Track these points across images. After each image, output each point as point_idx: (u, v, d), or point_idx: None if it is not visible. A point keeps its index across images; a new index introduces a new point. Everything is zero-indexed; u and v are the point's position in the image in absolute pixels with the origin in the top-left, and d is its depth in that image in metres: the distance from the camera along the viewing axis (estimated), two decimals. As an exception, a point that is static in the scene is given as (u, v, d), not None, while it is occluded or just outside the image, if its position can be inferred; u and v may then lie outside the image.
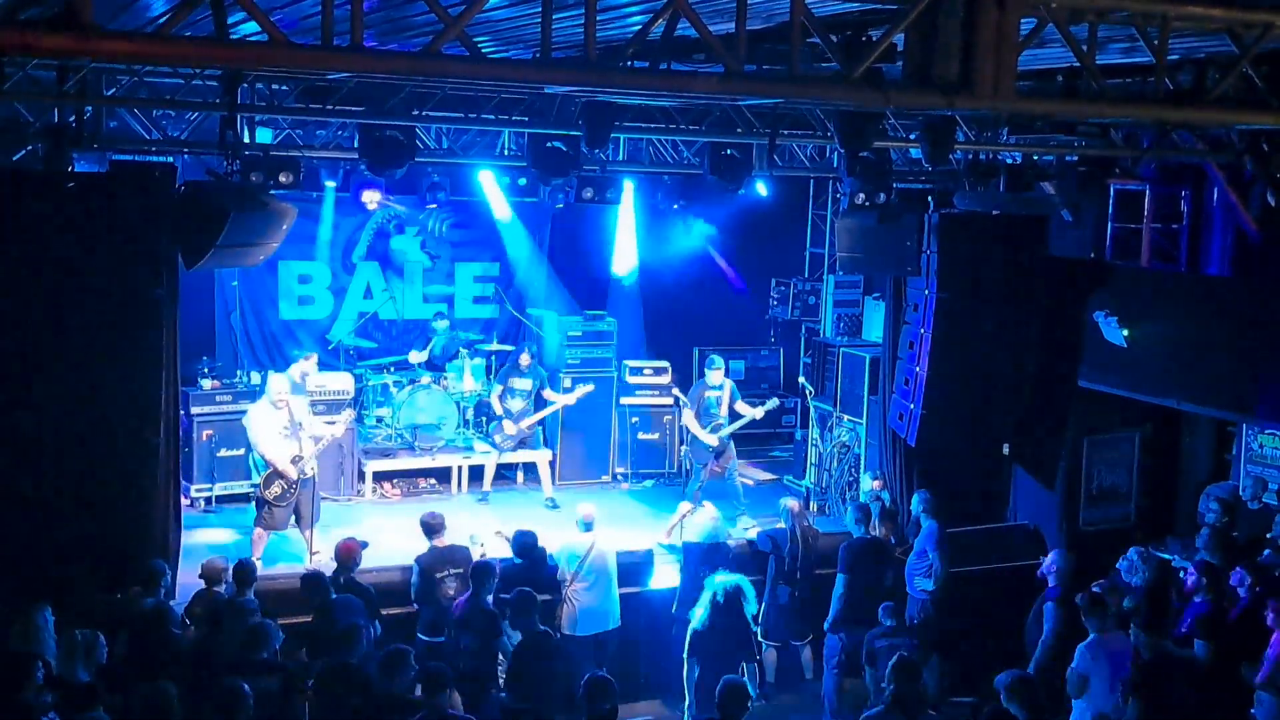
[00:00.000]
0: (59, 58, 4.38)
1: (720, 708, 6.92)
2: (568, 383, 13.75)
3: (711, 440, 12.30)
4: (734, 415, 12.48)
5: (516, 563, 9.67)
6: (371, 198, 12.47)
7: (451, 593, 9.46)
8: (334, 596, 8.87)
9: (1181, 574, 9.78)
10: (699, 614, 9.68)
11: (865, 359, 13.15)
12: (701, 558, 10.33)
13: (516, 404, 13.20)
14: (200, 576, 9.20)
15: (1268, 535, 10.41)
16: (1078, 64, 5.35)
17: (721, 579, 9.72)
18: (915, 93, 4.53)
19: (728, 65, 4.40)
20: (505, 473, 13.47)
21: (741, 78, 4.40)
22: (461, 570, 9.57)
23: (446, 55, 4.16)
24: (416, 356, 14.04)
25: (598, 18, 4.20)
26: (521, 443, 13.20)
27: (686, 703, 9.97)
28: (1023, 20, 4.63)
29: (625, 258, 15.00)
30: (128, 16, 6.28)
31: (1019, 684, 7.21)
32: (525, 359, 13.30)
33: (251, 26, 5.25)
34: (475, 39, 6.11)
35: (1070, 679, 8.35)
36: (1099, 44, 5.39)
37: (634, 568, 10.80)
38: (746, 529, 11.91)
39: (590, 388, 13.38)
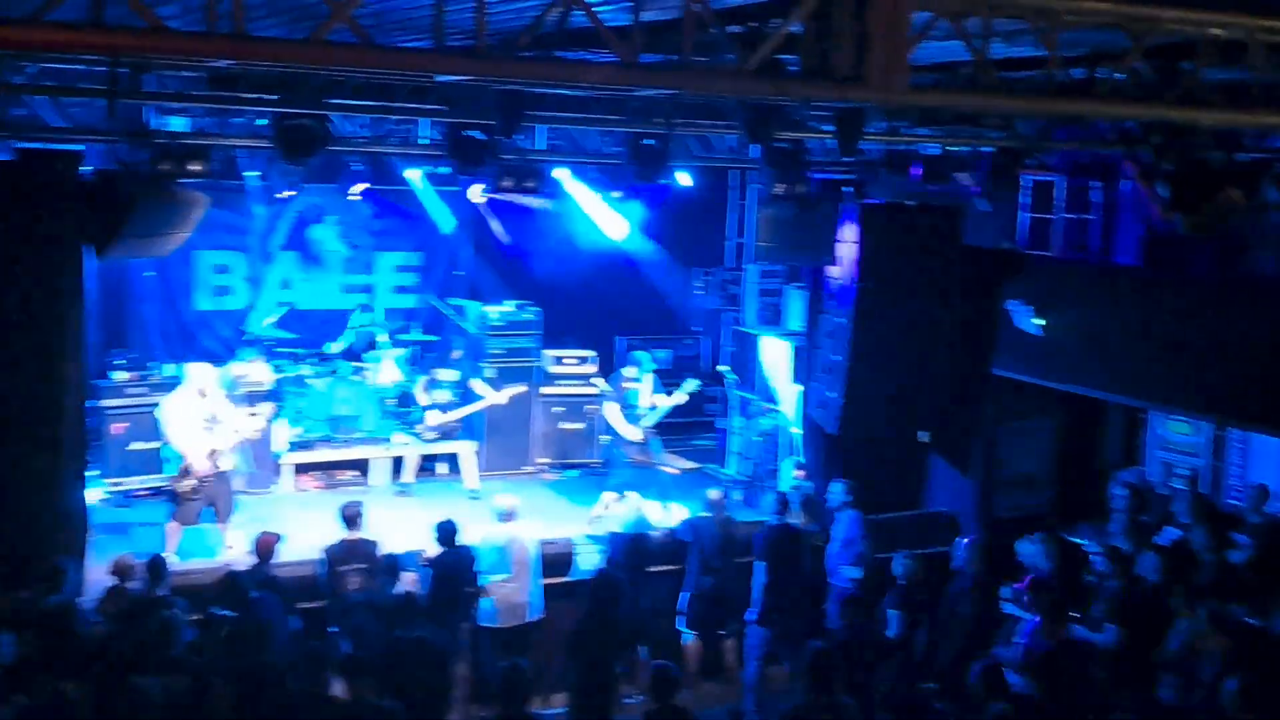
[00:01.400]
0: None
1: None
2: (490, 372, 13.68)
3: (634, 434, 12.30)
4: (654, 407, 12.49)
5: (442, 551, 9.60)
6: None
7: (353, 587, 9.38)
8: (252, 594, 8.74)
9: (1091, 558, 9.98)
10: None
11: (790, 347, 13.22)
12: (625, 547, 10.34)
13: (442, 395, 13.12)
14: (110, 573, 9.05)
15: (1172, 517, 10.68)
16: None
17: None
18: (808, 84, 4.57)
19: (622, 56, 4.40)
20: (427, 464, 13.38)
21: (635, 68, 4.41)
22: (366, 565, 9.50)
23: (333, 42, 4.12)
24: (335, 347, 13.90)
25: (496, 7, 4.17)
26: (445, 434, 13.12)
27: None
28: (919, 14, 4.69)
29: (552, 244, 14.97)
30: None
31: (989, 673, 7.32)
32: (456, 354, 13.38)
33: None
34: (370, 27, 6.06)
35: (1020, 655, 8.49)
36: (1006, 37, 5.47)
37: (556, 558, 10.78)
38: (670, 519, 11.94)
39: (522, 388, 13.32)
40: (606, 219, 13.78)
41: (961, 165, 11.01)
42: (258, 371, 12.98)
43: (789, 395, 13.11)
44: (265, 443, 12.65)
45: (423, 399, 13.10)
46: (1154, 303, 10.71)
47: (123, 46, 4.10)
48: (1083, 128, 9.57)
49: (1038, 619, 8.51)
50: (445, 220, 14.66)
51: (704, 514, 10.80)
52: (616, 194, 12.22)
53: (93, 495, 10.63)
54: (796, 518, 10.69)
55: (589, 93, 8.66)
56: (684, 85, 4.64)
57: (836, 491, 10.86)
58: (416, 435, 13.09)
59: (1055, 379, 11.38)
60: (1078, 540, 11.03)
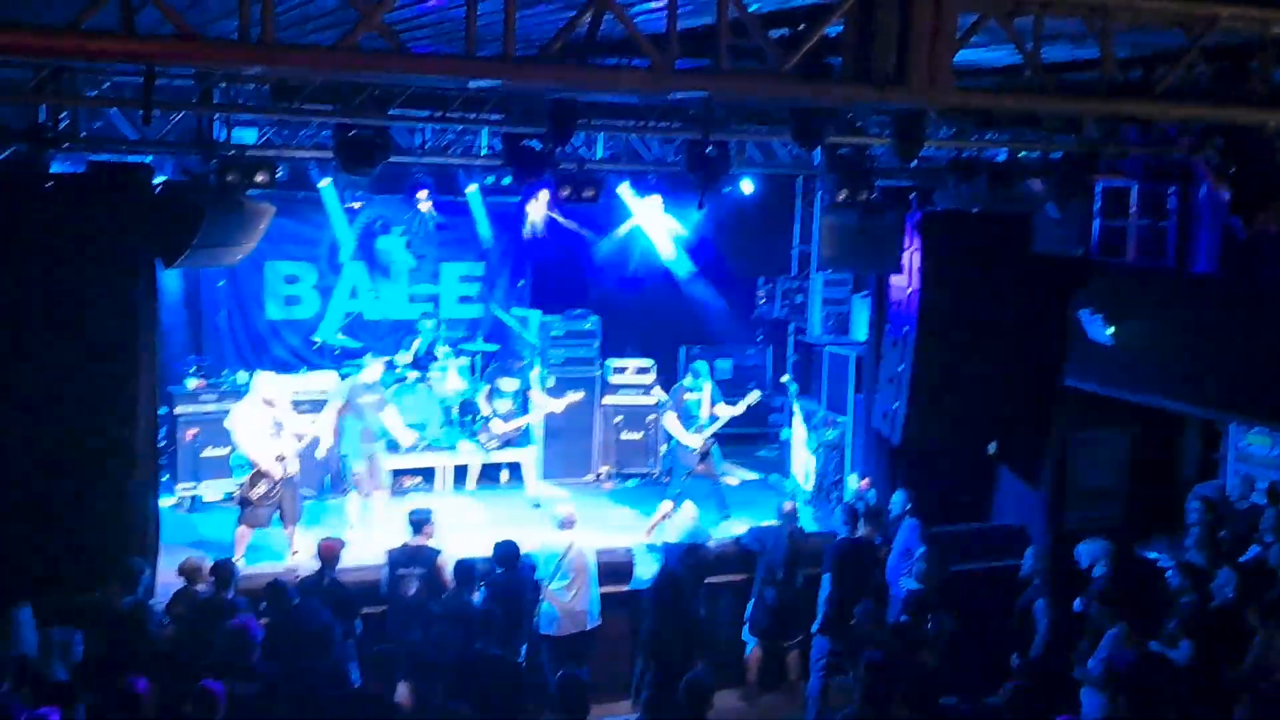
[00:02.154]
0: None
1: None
2: (551, 381, 13.75)
3: (694, 442, 12.24)
4: (715, 417, 12.44)
5: (497, 571, 9.62)
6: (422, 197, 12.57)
7: (412, 592, 9.45)
8: (296, 601, 8.84)
9: (1167, 574, 9.76)
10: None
11: (850, 357, 13.11)
12: (681, 557, 10.31)
13: (503, 405, 13.21)
14: (179, 574, 9.21)
15: (1255, 534, 10.39)
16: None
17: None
18: (847, 86, 4.51)
19: (656, 61, 4.38)
20: (490, 472, 13.45)
21: (668, 72, 4.38)
22: (424, 571, 9.56)
23: (362, 48, 4.15)
24: (403, 358, 14.04)
25: (528, 13, 4.17)
26: (507, 442, 13.20)
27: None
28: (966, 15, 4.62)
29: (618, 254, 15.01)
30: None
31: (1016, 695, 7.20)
32: (519, 363, 13.46)
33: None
34: (412, 35, 6.10)
35: (1101, 671, 8.36)
36: (1056, 40, 5.36)
37: (615, 567, 10.77)
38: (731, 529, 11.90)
39: (580, 395, 13.36)
40: (660, 239, 13.84)
41: (1029, 171, 10.86)
42: (323, 380, 13.15)
43: (853, 405, 12.99)
44: (332, 449, 12.82)
45: (485, 408, 13.20)
46: (1232, 311, 10.44)
47: (156, 54, 4.16)
48: (1150, 131, 9.37)
49: (1114, 632, 8.37)
50: (490, 232, 14.78)
51: (773, 524, 10.75)
52: (656, 201, 12.18)
53: (165, 500, 10.83)
54: (862, 529, 10.59)
55: (644, 100, 8.68)
56: (719, 89, 4.61)
57: (897, 501, 10.80)
58: (480, 443, 13.18)
59: (1129, 390, 11.13)
60: (1152, 555, 10.80)
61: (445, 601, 9.15)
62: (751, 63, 5.16)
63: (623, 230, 14.71)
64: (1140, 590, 9.75)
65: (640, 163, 11.42)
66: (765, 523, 11.04)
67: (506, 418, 13.09)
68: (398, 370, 13.85)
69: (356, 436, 11.55)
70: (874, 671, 7.24)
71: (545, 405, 13.26)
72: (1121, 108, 6.02)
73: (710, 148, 9.00)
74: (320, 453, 11.47)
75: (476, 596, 9.12)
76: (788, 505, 10.85)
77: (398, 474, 13.34)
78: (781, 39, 4.94)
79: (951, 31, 4.45)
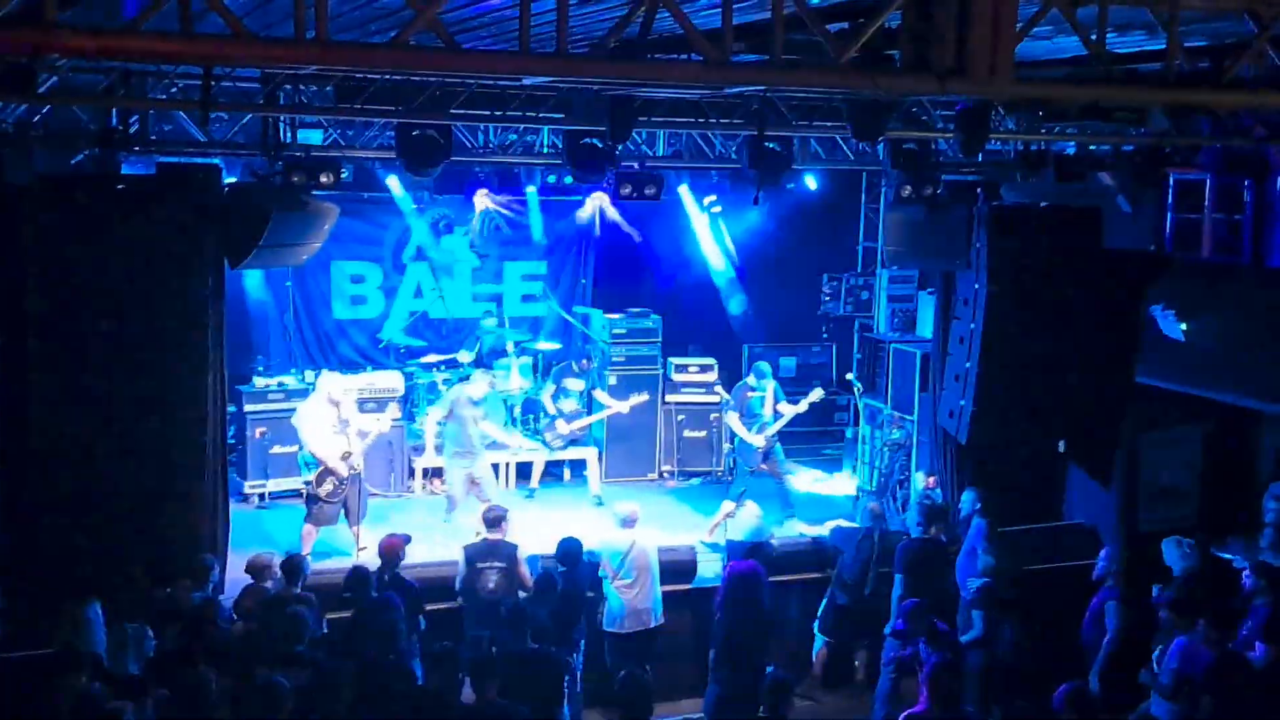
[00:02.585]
0: (21, 54, 4.50)
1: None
2: (613, 380, 13.77)
3: (757, 440, 12.20)
4: (778, 415, 12.38)
5: (559, 570, 9.63)
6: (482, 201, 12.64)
7: (491, 585, 9.49)
8: (374, 595, 8.93)
9: (1242, 575, 9.54)
10: None
11: (916, 355, 12.98)
12: (744, 556, 10.25)
13: (569, 404, 13.28)
14: (246, 571, 9.33)
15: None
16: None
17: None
18: (906, 77, 4.43)
19: (709, 56, 4.34)
20: (552, 469, 13.51)
21: (720, 66, 4.33)
22: (504, 565, 9.61)
23: (416, 45, 4.16)
24: (465, 357, 14.13)
25: (583, 11, 4.16)
26: (572, 441, 13.26)
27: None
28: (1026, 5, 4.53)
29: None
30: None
31: (1076, 695, 7.07)
32: (586, 363, 13.50)
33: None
34: (456, 32, 6.11)
35: (1171, 681, 8.21)
36: (1122, 30, 5.25)
37: (678, 565, 10.75)
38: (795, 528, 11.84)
39: (645, 397, 13.36)
40: (710, 247, 13.82)
41: (1100, 164, 10.66)
42: (388, 379, 13.29)
43: (919, 403, 12.85)
44: (398, 447, 12.96)
45: (550, 407, 13.25)
46: (1309, 306, 10.20)
47: (213, 54, 4.22)
48: (1222, 122, 9.15)
49: (1183, 641, 8.19)
50: (542, 231, 14.83)
51: (855, 525, 10.73)
52: (713, 200, 12.13)
53: (233, 498, 10.98)
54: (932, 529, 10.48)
55: (704, 97, 8.64)
56: (775, 82, 4.56)
57: (967, 500, 10.66)
58: (544, 442, 13.22)
59: (1203, 386, 10.90)
60: (1227, 555, 10.55)
61: (514, 607, 9.17)
62: (811, 57, 5.11)
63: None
64: (1215, 592, 9.54)
65: (702, 160, 11.37)
66: (844, 523, 10.99)
67: (571, 418, 13.13)
68: (461, 368, 13.96)
69: (453, 444, 11.68)
70: (941, 671, 7.16)
71: (611, 406, 13.26)
72: (1189, 97, 5.87)
73: (771, 144, 8.94)
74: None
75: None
76: (875, 506, 10.78)
77: (428, 475, 13.41)
78: (840, 32, 4.87)
79: (1012, 21, 4.35)
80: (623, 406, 13.21)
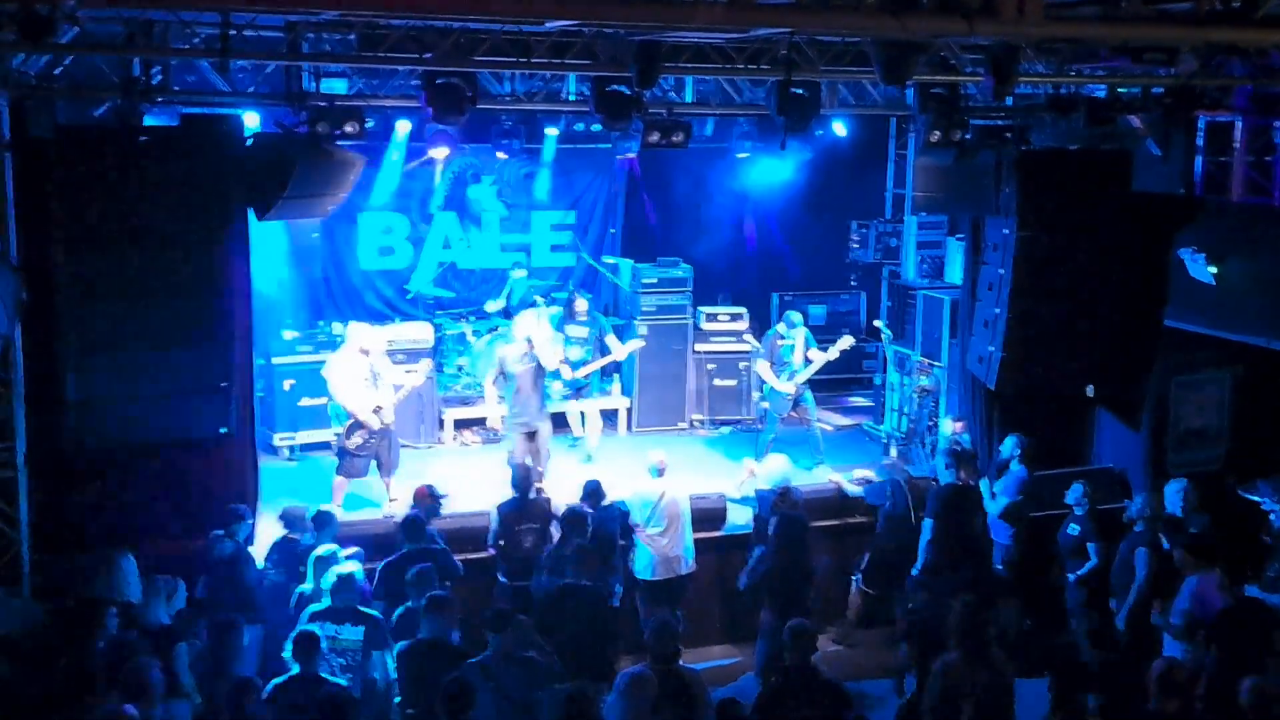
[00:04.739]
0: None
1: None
2: (643, 329, 13.73)
3: (787, 388, 12.21)
4: (808, 362, 12.35)
5: (586, 510, 9.69)
6: (439, 153, 12.47)
7: (528, 545, 9.55)
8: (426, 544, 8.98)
9: (1270, 517, 9.52)
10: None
11: (945, 301, 12.91)
12: (773, 504, 10.28)
13: (574, 352, 12.93)
14: (279, 522, 9.42)
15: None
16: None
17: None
18: (934, 18, 4.37)
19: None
20: (563, 420, 13.08)
21: (745, 6, 4.28)
22: (539, 525, 9.67)
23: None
24: (493, 305, 14.12)
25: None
26: (577, 389, 12.89)
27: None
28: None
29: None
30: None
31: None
32: (581, 304, 13.09)
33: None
34: None
35: (1183, 622, 8.24)
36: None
37: (709, 512, 10.78)
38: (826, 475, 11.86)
39: (641, 343, 13.24)
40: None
41: (1130, 107, 10.51)
42: (417, 330, 13.28)
43: (947, 350, 12.80)
44: (429, 398, 12.97)
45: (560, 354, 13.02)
46: (1340, 248, 10.07)
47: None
48: (1254, 62, 8.99)
49: (1195, 579, 8.24)
50: (549, 185, 14.78)
51: (882, 479, 10.81)
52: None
53: (263, 450, 11.05)
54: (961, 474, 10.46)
55: (730, 42, 8.53)
56: (799, 24, 4.50)
57: (1008, 446, 10.74)
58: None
59: (1232, 330, 10.81)
60: (1255, 498, 10.51)
61: (553, 552, 9.25)
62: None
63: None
64: (1243, 533, 9.54)
65: (731, 106, 11.26)
66: (873, 476, 11.09)
67: (576, 365, 12.85)
68: (490, 318, 13.94)
69: (512, 411, 11.52)
70: (971, 610, 7.20)
71: (615, 351, 12.96)
72: (1220, 34, 5.76)
73: (799, 89, 8.83)
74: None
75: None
76: (895, 460, 10.88)
77: (459, 426, 13.39)
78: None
79: (1040, -41, 4.29)
80: (620, 354, 13.01)
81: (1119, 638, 9.49)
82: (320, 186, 9.13)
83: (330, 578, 8.10)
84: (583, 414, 12.96)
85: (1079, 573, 9.93)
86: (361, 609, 8.00)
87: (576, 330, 13.12)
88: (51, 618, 8.07)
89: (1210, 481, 10.20)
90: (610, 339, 13.02)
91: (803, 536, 9.77)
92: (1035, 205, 10.40)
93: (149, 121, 8.76)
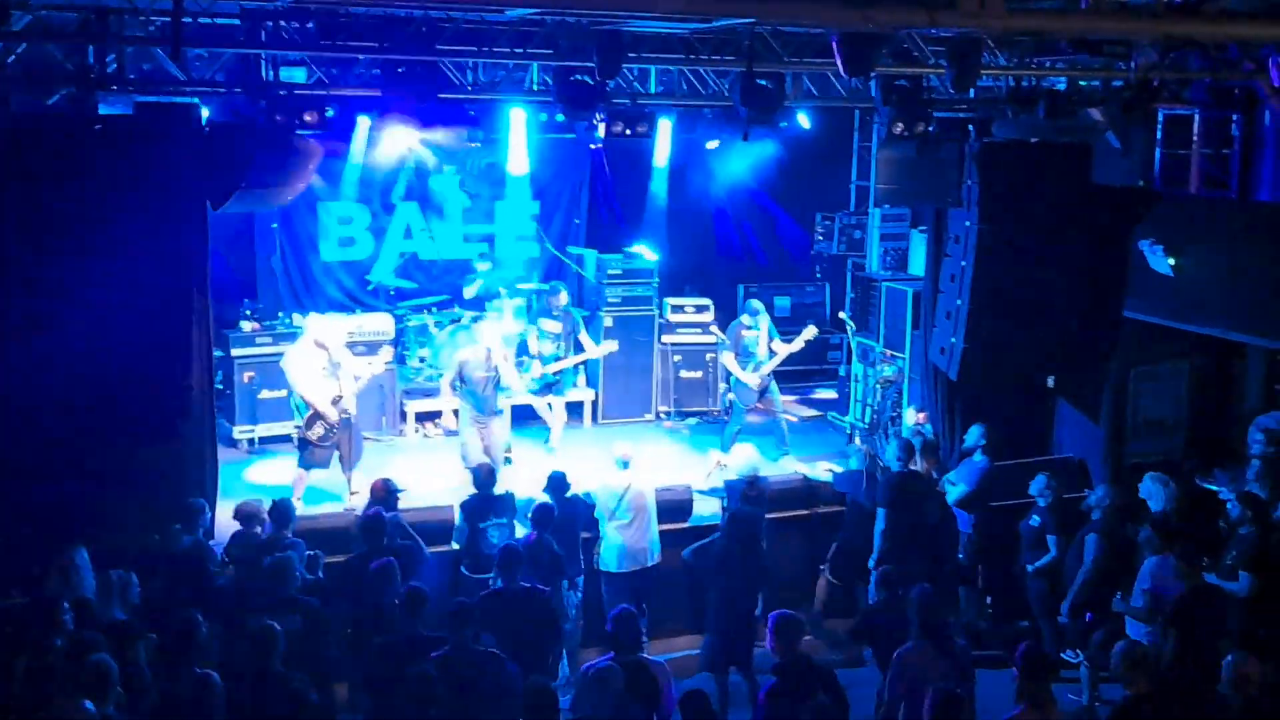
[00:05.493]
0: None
1: None
2: (609, 321, 13.68)
3: (752, 380, 12.22)
4: (772, 353, 12.36)
5: (549, 503, 9.64)
6: (401, 142, 12.31)
7: (495, 542, 9.49)
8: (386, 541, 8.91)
9: (1227, 505, 9.61)
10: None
11: (908, 293, 12.97)
12: (742, 494, 10.27)
13: (547, 346, 12.96)
14: (236, 517, 9.31)
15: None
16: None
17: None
18: (895, 9, 4.37)
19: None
20: (527, 412, 13.07)
21: (707, -4, 4.27)
22: (505, 520, 9.61)
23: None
24: (470, 290, 14.00)
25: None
26: (547, 386, 12.89)
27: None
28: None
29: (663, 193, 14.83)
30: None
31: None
32: (562, 298, 13.07)
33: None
34: None
35: (1145, 602, 8.36)
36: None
37: (674, 504, 10.77)
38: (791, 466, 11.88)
39: (614, 345, 13.19)
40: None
41: (1090, 100, 10.58)
42: (378, 321, 13.17)
43: (910, 341, 12.86)
44: (390, 390, 12.88)
45: (534, 348, 13.04)
46: (1298, 240, 10.15)
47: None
48: (1211, 56, 9.07)
49: (1155, 560, 8.32)
50: (560, 169, 14.65)
51: (849, 469, 10.82)
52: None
53: (222, 443, 10.93)
54: (919, 464, 10.49)
55: (693, 32, 8.51)
56: (761, 14, 4.49)
57: (973, 435, 10.78)
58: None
59: (1191, 321, 10.91)
60: (1212, 486, 10.63)
61: (507, 548, 9.17)
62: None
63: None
64: (1200, 522, 9.63)
65: (695, 98, 11.23)
66: (837, 468, 11.07)
67: (547, 360, 12.84)
68: (453, 308, 13.84)
69: (467, 408, 11.47)
70: (928, 599, 7.25)
71: (588, 351, 12.99)
72: (1178, 28, 5.80)
73: (763, 80, 8.82)
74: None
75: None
76: (865, 448, 10.90)
77: (421, 418, 13.30)
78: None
79: (1002, -49, 4.29)
80: (597, 352, 13.02)
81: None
82: (279, 176, 9.04)
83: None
84: (549, 404, 12.91)
85: (1037, 564, 9.97)
86: None
87: (550, 325, 13.08)
88: (4, 616, 7.93)
89: (1169, 470, 10.25)
90: (583, 336, 12.99)
91: (754, 532, 9.66)
92: (996, 197, 10.47)
93: (104, 110, 8.61)
